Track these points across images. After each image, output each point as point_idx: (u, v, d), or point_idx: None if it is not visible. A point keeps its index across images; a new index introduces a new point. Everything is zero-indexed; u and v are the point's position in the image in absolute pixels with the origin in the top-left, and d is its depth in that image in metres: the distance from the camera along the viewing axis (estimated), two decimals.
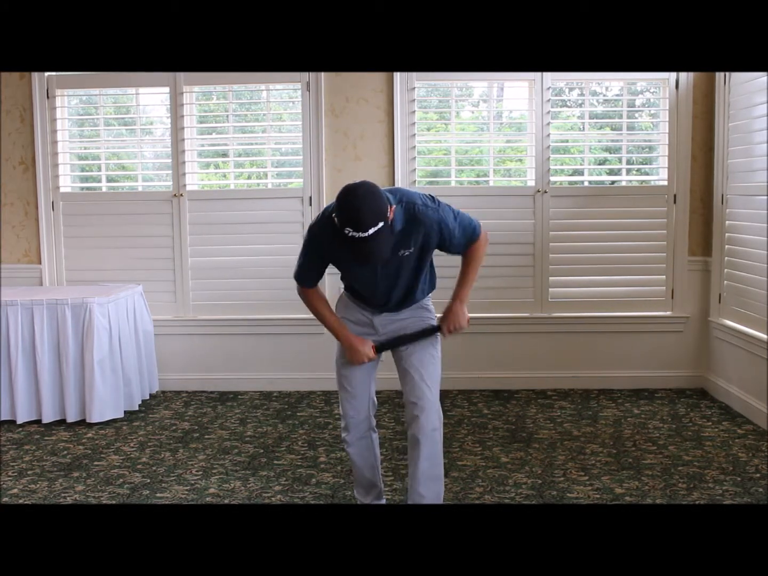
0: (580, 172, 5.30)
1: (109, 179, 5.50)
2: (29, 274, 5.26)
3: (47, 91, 5.16)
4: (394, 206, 2.68)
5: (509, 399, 4.94)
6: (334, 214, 2.62)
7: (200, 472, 3.80)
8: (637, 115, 5.37)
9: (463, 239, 2.87)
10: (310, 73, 5.01)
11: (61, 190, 5.26)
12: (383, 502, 3.27)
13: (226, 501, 3.48)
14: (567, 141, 5.47)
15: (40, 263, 5.26)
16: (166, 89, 5.14)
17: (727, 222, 4.76)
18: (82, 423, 4.55)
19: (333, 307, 3.09)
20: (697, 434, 4.24)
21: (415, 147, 5.07)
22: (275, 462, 3.93)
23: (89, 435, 4.39)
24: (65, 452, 4.12)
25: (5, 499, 3.51)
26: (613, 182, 5.36)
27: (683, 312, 5.12)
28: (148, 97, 5.49)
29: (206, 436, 4.34)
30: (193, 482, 3.68)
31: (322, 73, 5.00)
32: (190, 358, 5.27)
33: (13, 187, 5.24)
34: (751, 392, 4.46)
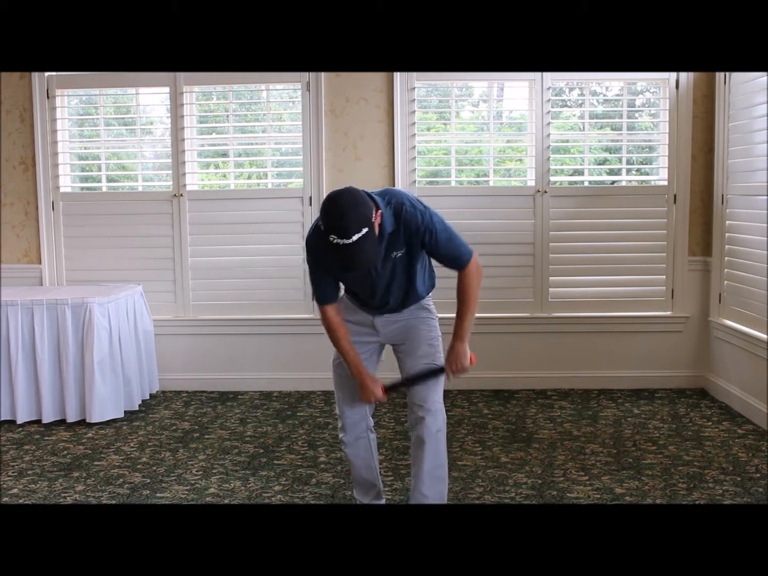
0: (580, 172, 5.30)
1: (109, 179, 5.50)
2: (29, 274, 5.26)
3: (47, 91, 5.16)
4: (380, 211, 2.69)
5: (509, 399, 4.94)
6: (319, 222, 2.64)
7: (200, 472, 3.80)
8: (637, 115, 5.37)
9: (448, 252, 2.85)
10: (310, 73, 5.01)
11: (61, 190, 5.26)
12: (383, 501, 3.26)
13: (226, 501, 3.48)
14: (567, 141, 5.47)
15: (40, 263, 5.26)
16: (166, 89, 5.14)
17: (727, 222, 4.76)
18: (82, 423, 4.55)
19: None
20: (697, 434, 4.24)
21: (415, 147, 5.07)
22: (275, 462, 3.93)
23: (89, 435, 4.39)
24: (65, 452, 4.12)
25: (5, 499, 3.51)
26: (613, 182, 5.36)
27: (683, 312, 5.12)
28: (148, 97, 5.49)
29: (206, 436, 4.34)
30: (193, 482, 3.68)
31: (322, 73, 5.00)
32: (190, 358, 5.27)
33: (13, 187, 5.24)
34: (751, 392, 4.46)
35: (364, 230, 2.54)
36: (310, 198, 5.09)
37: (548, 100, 5.00)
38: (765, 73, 4.17)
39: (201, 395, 5.15)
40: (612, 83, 5.51)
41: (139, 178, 5.47)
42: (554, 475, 3.68)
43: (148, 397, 5.03)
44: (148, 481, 3.71)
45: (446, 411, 3.04)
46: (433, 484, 2.98)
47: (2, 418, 4.58)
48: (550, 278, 5.13)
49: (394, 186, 5.00)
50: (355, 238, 2.52)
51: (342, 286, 3.07)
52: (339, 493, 3.54)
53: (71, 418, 4.54)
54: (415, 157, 5.07)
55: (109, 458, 4.02)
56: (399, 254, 2.82)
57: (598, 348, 5.15)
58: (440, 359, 3.01)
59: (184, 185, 5.18)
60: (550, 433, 4.28)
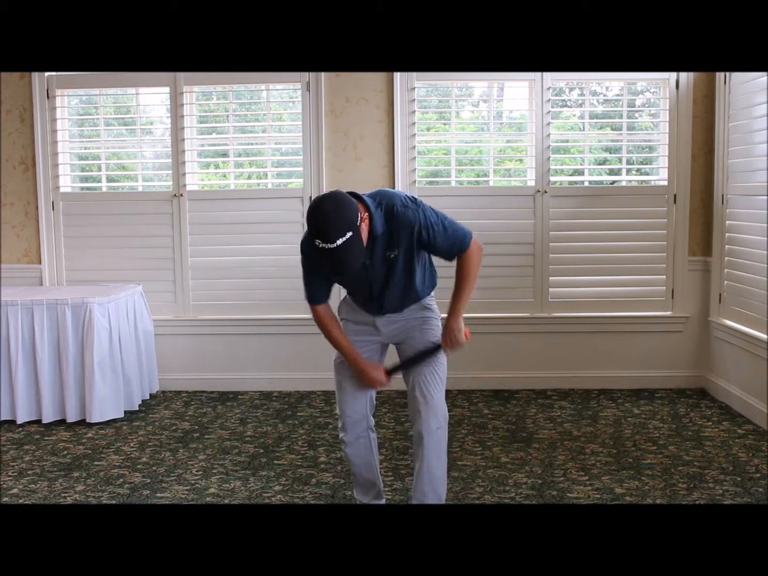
0: (580, 172, 5.30)
1: (109, 179, 5.50)
2: (29, 274, 5.26)
3: (47, 91, 5.16)
4: (368, 214, 2.71)
5: (509, 399, 4.94)
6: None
7: (200, 472, 3.80)
8: (637, 115, 5.37)
9: (447, 243, 2.85)
10: (310, 73, 5.01)
11: (61, 190, 5.26)
12: (383, 501, 3.26)
13: (226, 501, 3.48)
14: (567, 141, 5.47)
15: (40, 263, 5.26)
16: (166, 89, 5.14)
17: (727, 222, 4.76)
18: (82, 423, 4.55)
19: (336, 309, 3.10)
20: (697, 434, 4.24)
21: (415, 147, 5.07)
22: (275, 462, 3.93)
23: (89, 435, 4.39)
24: (65, 452, 4.12)
25: (5, 499, 3.51)
26: (613, 182, 5.36)
27: (683, 312, 5.12)
28: (148, 97, 5.49)
29: (206, 436, 4.34)
30: (193, 482, 3.68)
31: (322, 73, 5.00)
32: (190, 358, 5.27)
33: (13, 187, 5.24)
34: (751, 392, 4.46)
35: (348, 234, 2.56)
36: (310, 198, 5.09)
37: (548, 100, 5.00)
38: (765, 73, 4.17)
39: (201, 395, 5.15)
40: (612, 83, 5.51)
41: (139, 178, 5.47)
42: (554, 475, 3.68)
43: (148, 397, 5.03)
44: (148, 481, 3.71)
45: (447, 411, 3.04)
46: (433, 483, 2.98)
47: (2, 418, 4.58)
48: (550, 278, 5.13)
49: (393, 186, 5.01)
50: (339, 242, 2.55)
51: (342, 288, 3.08)
52: (339, 493, 3.54)
53: (71, 418, 4.54)
54: (415, 157, 5.07)
55: (109, 458, 4.02)
56: (392, 255, 2.82)
57: (598, 348, 5.15)
58: (442, 357, 3.02)
59: (184, 185, 5.18)
60: (550, 433, 4.28)
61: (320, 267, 2.79)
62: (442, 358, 3.03)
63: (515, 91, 5.55)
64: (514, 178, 5.35)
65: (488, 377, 5.13)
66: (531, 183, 5.09)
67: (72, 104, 5.41)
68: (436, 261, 3.01)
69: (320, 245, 2.58)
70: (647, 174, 5.35)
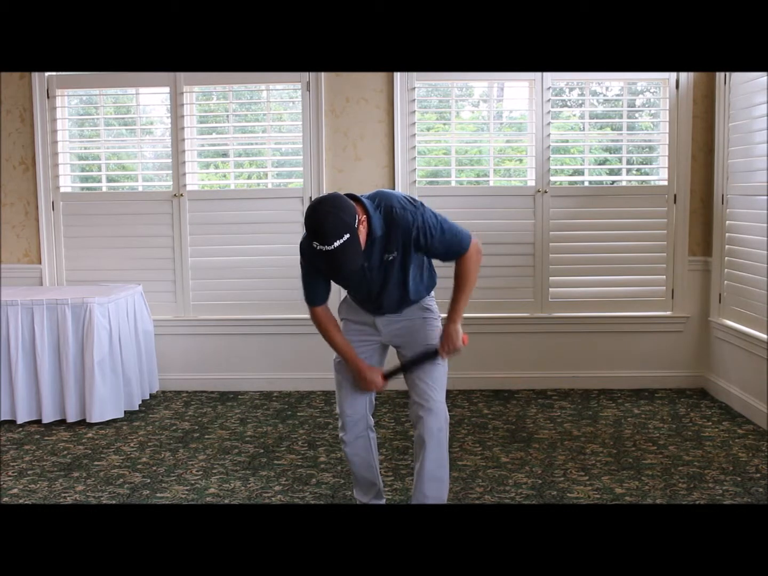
0: (580, 172, 5.30)
1: (109, 179, 5.50)
2: (29, 274, 5.26)
3: (47, 91, 5.16)
4: (366, 216, 2.71)
5: (509, 399, 4.94)
6: None
7: (200, 472, 3.80)
8: (637, 115, 5.37)
9: (444, 246, 2.84)
10: (310, 73, 5.01)
11: (61, 190, 5.26)
12: (383, 501, 3.26)
13: (226, 501, 3.48)
14: (567, 141, 5.47)
15: (40, 263, 5.26)
16: (166, 89, 5.14)
17: (727, 222, 4.76)
18: (82, 423, 4.55)
19: (335, 310, 3.10)
20: (697, 434, 4.24)
21: (415, 147, 5.07)
22: (275, 462, 3.93)
23: (89, 435, 4.39)
24: (65, 452, 4.12)
25: (5, 499, 3.51)
26: (613, 182, 5.36)
27: (683, 312, 5.12)
28: (148, 97, 5.49)
29: (206, 436, 4.34)
30: (193, 482, 3.68)
31: (322, 73, 5.00)
32: (190, 358, 5.27)
33: (13, 187, 5.24)
34: (751, 392, 4.46)
35: (346, 236, 2.57)
36: (310, 198, 5.08)
37: (548, 100, 5.00)
38: (765, 73, 4.17)
39: (201, 395, 5.15)
40: (612, 83, 5.51)
41: (139, 178, 5.47)
42: (554, 475, 3.68)
43: (148, 397, 5.03)
44: (148, 481, 3.71)
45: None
46: (433, 484, 2.98)
47: (2, 418, 4.58)
48: (550, 278, 5.13)
49: (393, 186, 5.01)
50: (336, 244, 2.55)
51: (342, 288, 3.08)
52: (339, 493, 3.54)
53: (71, 418, 4.54)
54: (415, 157, 5.07)
55: (109, 458, 4.02)
56: (390, 257, 2.82)
57: (598, 348, 5.15)
58: (446, 360, 3.02)
59: (184, 185, 5.18)
60: (550, 433, 4.28)
61: (319, 269, 2.79)
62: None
63: (515, 91, 5.55)
64: (514, 178, 5.35)
65: (488, 377, 5.13)
66: (531, 183, 5.09)
67: (72, 104, 5.41)
68: (436, 261, 3.01)
69: (317, 247, 2.59)
70: (647, 174, 5.35)
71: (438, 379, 2.99)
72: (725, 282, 4.82)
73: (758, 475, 3.66)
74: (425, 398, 2.94)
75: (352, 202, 2.69)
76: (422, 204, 2.84)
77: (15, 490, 3.61)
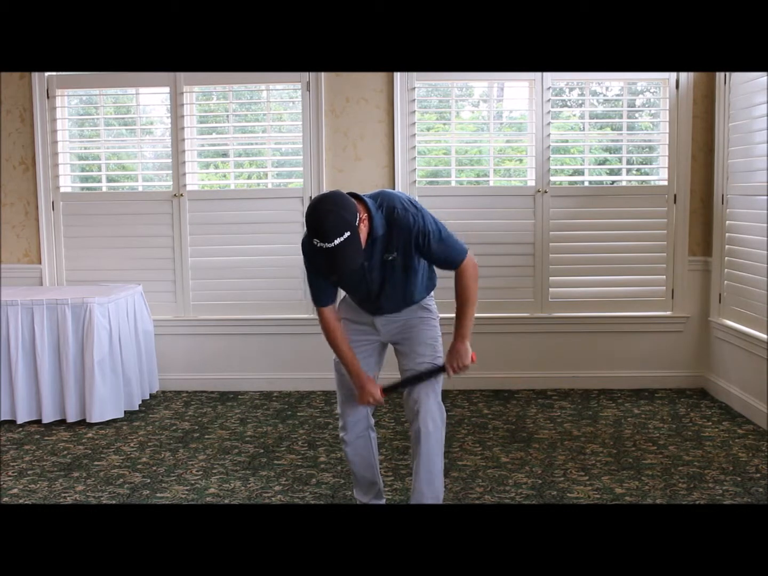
0: (580, 172, 5.30)
1: (109, 179, 5.50)
2: (29, 274, 5.26)
3: (47, 91, 5.16)
4: (367, 214, 2.71)
5: (509, 399, 4.94)
6: None
7: (200, 472, 3.80)
8: (637, 115, 5.37)
9: (441, 251, 2.84)
10: (310, 73, 5.01)
11: (61, 190, 5.26)
12: (383, 501, 3.26)
13: (226, 501, 3.48)
14: (567, 141, 5.47)
15: (40, 263, 5.26)
16: (166, 89, 5.14)
17: (727, 222, 4.76)
18: (82, 423, 4.55)
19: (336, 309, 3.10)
20: (697, 434, 4.24)
21: (415, 147, 5.07)
22: (275, 462, 3.93)
23: (89, 435, 4.39)
24: (65, 452, 4.12)
25: (5, 499, 3.51)
26: (613, 182, 5.36)
27: (683, 312, 5.12)
28: (148, 97, 5.49)
29: (206, 436, 4.34)
30: (193, 482, 3.68)
31: (322, 73, 5.00)
32: (190, 358, 5.27)
33: (13, 187, 5.24)
34: (751, 392, 4.46)
35: (346, 234, 2.56)
36: (311, 198, 5.08)
37: (548, 100, 5.00)
38: (765, 73, 4.17)
39: (201, 395, 5.15)
40: (612, 83, 5.51)
41: (139, 178, 5.47)
42: (554, 475, 3.68)
43: (148, 397, 5.03)
44: (148, 481, 3.71)
45: (446, 411, 3.03)
46: (429, 482, 2.98)
47: (2, 418, 4.58)
48: (550, 278, 5.13)
49: (393, 186, 5.01)
50: (336, 242, 2.55)
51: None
52: (339, 493, 3.54)
53: (71, 418, 4.54)
54: (415, 157, 5.07)
55: (109, 458, 4.02)
56: (390, 257, 2.82)
57: (598, 348, 5.15)
58: (440, 359, 3.01)
59: (184, 185, 5.18)
60: (550, 433, 4.28)
61: (319, 267, 2.79)
62: (440, 354, 3.02)
63: (515, 91, 5.55)
64: (514, 178, 5.35)
65: (488, 377, 5.12)
66: (531, 183, 5.09)
67: (72, 104, 5.41)
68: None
69: (318, 245, 2.58)
70: (647, 174, 5.35)
71: (435, 377, 2.98)
72: (725, 282, 4.82)
73: (758, 475, 3.66)
74: (419, 397, 2.94)
75: (353, 200, 2.69)
76: (422, 207, 2.84)
77: (15, 490, 3.61)
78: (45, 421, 4.56)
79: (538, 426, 4.41)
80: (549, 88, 4.99)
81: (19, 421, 4.55)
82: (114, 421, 4.60)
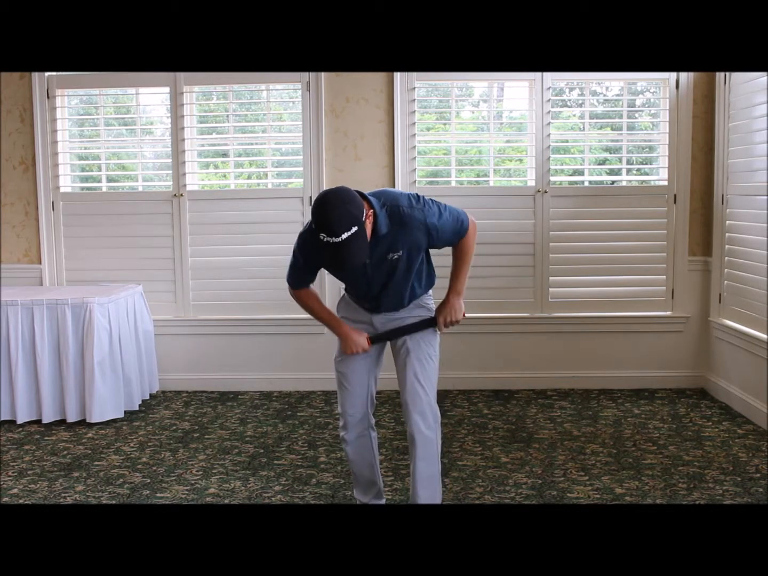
0: (580, 172, 5.30)
1: (109, 179, 5.50)
2: (29, 274, 5.26)
3: (47, 91, 5.16)
4: (372, 211, 2.70)
5: (509, 399, 4.94)
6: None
7: (200, 472, 3.80)
8: (637, 115, 5.37)
9: (451, 234, 2.87)
10: (310, 73, 5.01)
11: (61, 190, 5.26)
12: (383, 501, 3.27)
13: (226, 501, 3.48)
14: (567, 141, 5.47)
15: (40, 263, 5.26)
16: (166, 89, 5.14)
17: (727, 222, 4.76)
18: (82, 423, 4.55)
19: (334, 309, 3.10)
20: (697, 434, 4.24)
21: (415, 147, 5.07)
22: (275, 462, 3.93)
23: (89, 435, 4.39)
24: (65, 452, 4.12)
25: (5, 499, 3.51)
26: (613, 182, 5.36)
27: (683, 312, 5.12)
28: (148, 97, 5.49)
29: (206, 436, 4.34)
30: (193, 482, 3.68)
31: (322, 73, 5.00)
32: (190, 358, 5.27)
33: (13, 187, 5.24)
34: (751, 392, 4.46)
35: (354, 229, 2.56)
36: (310, 198, 5.09)
37: (548, 100, 5.00)
38: (765, 73, 4.17)
39: (201, 395, 5.15)
40: (612, 83, 5.51)
41: (139, 178, 5.47)
42: (554, 475, 3.68)
43: (148, 397, 5.03)
44: (148, 481, 3.71)
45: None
46: (425, 483, 2.99)
47: (2, 418, 4.58)
48: (550, 278, 5.13)
49: (394, 186, 5.01)
50: (344, 236, 2.55)
51: (342, 288, 3.08)
52: (339, 493, 3.54)
53: (71, 418, 4.54)
54: (415, 157, 5.07)
55: (109, 458, 4.02)
56: (395, 256, 2.82)
57: (598, 348, 5.15)
58: (436, 358, 3.01)
59: (184, 185, 5.18)
60: (550, 433, 4.28)
61: (319, 260, 2.78)
62: (435, 355, 3.01)
63: (515, 91, 5.55)
64: (514, 178, 5.35)
65: (488, 377, 5.12)
66: (531, 183, 5.09)
67: (72, 104, 5.41)
68: (434, 250, 3.01)
69: (325, 239, 2.57)
70: (647, 174, 5.35)
71: (429, 378, 2.99)
72: (725, 282, 4.82)
73: (758, 475, 3.66)
74: (414, 396, 2.94)
75: (359, 196, 2.69)
76: (421, 197, 2.84)
77: (15, 490, 3.61)
78: (45, 421, 4.56)
79: (538, 426, 4.41)
80: (549, 88, 4.99)
81: (19, 421, 4.55)
82: (114, 421, 4.60)
